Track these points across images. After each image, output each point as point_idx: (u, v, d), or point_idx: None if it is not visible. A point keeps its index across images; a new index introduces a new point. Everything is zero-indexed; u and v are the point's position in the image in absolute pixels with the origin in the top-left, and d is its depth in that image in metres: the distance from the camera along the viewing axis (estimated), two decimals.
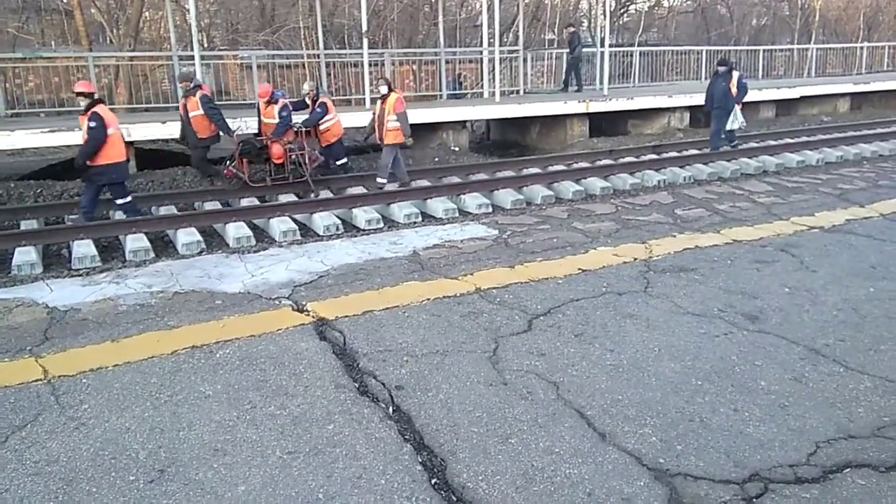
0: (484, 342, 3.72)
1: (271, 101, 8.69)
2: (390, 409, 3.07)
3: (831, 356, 3.53)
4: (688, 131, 14.31)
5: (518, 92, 15.87)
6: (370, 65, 12.35)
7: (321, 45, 14.11)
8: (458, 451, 2.75)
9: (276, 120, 8.53)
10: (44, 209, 7.99)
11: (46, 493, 2.54)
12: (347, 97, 14.25)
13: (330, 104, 9.21)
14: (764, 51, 21.24)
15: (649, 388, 3.23)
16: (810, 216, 6.31)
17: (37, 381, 3.37)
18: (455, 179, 9.35)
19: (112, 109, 12.44)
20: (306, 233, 7.27)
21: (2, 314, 4.27)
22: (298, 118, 8.95)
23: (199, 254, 6.39)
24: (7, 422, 3.02)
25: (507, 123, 14.40)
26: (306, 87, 9.39)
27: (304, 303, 4.34)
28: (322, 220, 7.31)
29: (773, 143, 11.95)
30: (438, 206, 7.91)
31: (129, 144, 9.32)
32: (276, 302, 4.38)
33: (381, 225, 7.38)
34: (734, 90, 10.32)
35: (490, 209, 8.02)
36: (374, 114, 8.68)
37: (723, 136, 10.64)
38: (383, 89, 8.47)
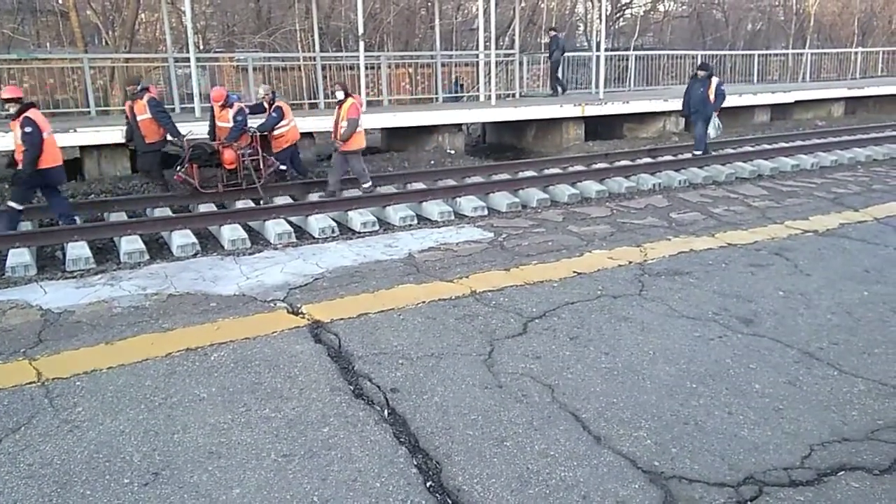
0: (479, 345, 3.72)
1: (226, 104, 8.53)
2: (385, 412, 3.06)
3: (825, 359, 3.54)
4: (683, 135, 14.36)
5: (514, 95, 15.92)
6: (366, 68, 12.36)
7: (317, 47, 14.13)
8: (454, 453, 2.75)
9: (231, 124, 8.36)
10: (38, 211, 7.94)
11: (40, 496, 2.52)
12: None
13: (286, 109, 9.05)
14: (759, 55, 21.37)
15: (644, 391, 3.23)
16: (804, 220, 6.34)
17: (30, 383, 3.35)
18: (451, 182, 9.37)
19: (107, 112, 12.43)
20: (301, 235, 7.26)
21: None
22: (255, 123, 8.75)
23: (194, 256, 6.37)
24: (0, 424, 3.00)
25: (502, 126, 14.43)
26: (262, 90, 9.15)
27: (299, 305, 4.33)
28: (317, 222, 7.31)
29: (767, 146, 12.01)
30: (434, 208, 7.92)
31: (124, 146, 9.29)
32: (271, 304, 4.37)
33: (377, 227, 7.38)
34: (712, 97, 10.18)
35: (485, 212, 8.04)
36: (334, 120, 8.52)
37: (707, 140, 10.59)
38: (339, 94, 8.35)
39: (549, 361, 3.52)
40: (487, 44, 14.74)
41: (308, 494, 2.52)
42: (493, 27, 13.91)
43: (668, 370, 3.43)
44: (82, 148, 9.72)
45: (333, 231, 7.19)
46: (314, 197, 8.62)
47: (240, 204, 8.29)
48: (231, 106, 8.49)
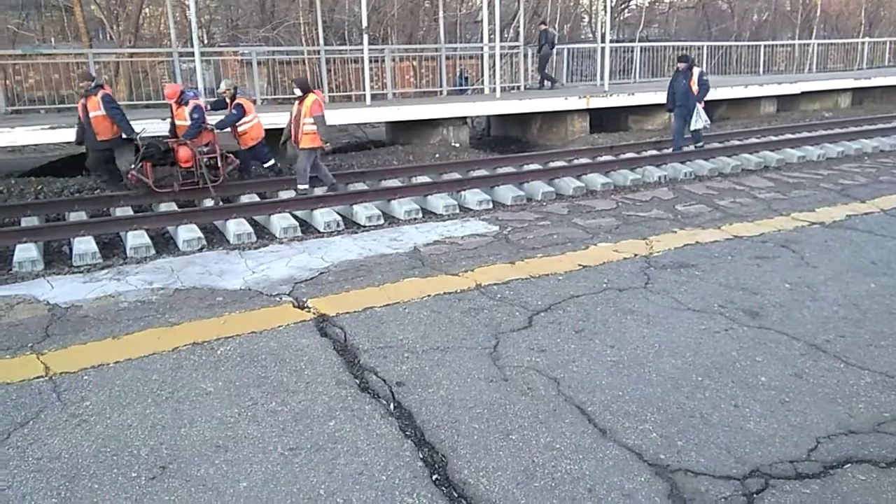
0: (484, 338, 3.72)
1: (181, 101, 8.30)
2: (391, 406, 3.07)
3: (832, 352, 3.53)
4: None
5: (518, 88, 15.84)
6: (370, 61, 12.32)
7: (321, 41, 14.08)
8: (459, 447, 2.76)
9: (188, 122, 8.16)
10: (44, 206, 7.98)
11: (48, 490, 2.55)
12: (348, 93, 14.24)
13: (248, 105, 8.74)
14: (765, 46, 21.18)
15: (650, 384, 3.23)
16: (811, 212, 6.30)
17: (38, 377, 3.38)
18: (455, 175, 9.35)
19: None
20: (307, 229, 7.27)
21: (3, 311, 4.27)
22: (216, 119, 8.53)
23: (200, 250, 6.39)
24: (9, 419, 3.02)
25: (507, 119, 14.38)
26: (223, 85, 8.87)
27: (304, 299, 4.34)
28: (322, 216, 7.31)
29: (774, 138, 11.93)
30: (439, 202, 7.91)
31: (129, 140, 9.29)
32: (277, 298, 4.39)
33: (382, 221, 7.37)
34: (695, 88, 9.86)
35: (490, 205, 8.02)
36: (290, 115, 8.15)
37: (686, 135, 10.30)
38: (297, 91, 7.99)
39: (555, 354, 3.52)
40: (492, 36, 14.67)
41: (314, 487, 2.53)
42: (498, 19, 13.82)
43: (674, 363, 3.42)
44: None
45: (338, 225, 7.20)
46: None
47: (244, 199, 8.24)
48: (187, 103, 8.25)
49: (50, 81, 12.18)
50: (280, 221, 7.08)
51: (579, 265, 4.90)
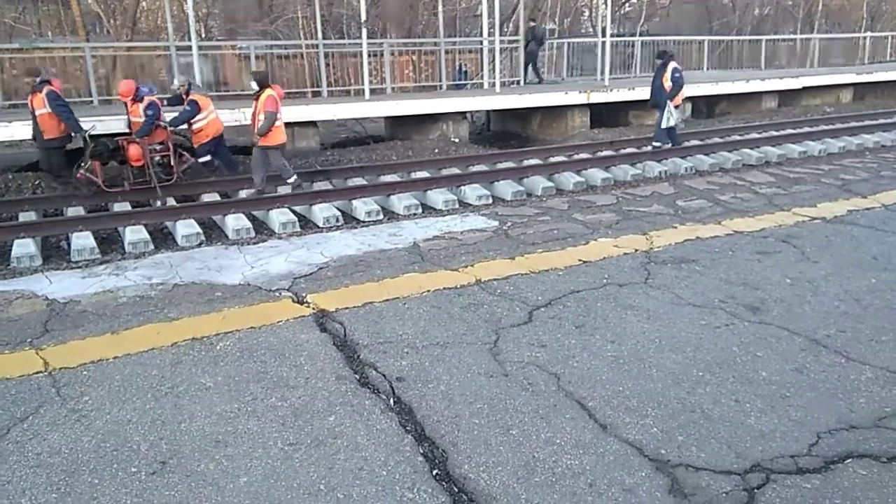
0: (484, 333, 3.71)
1: (136, 98, 8.08)
2: (391, 401, 3.07)
3: (833, 347, 3.52)
4: (689, 121, 14.26)
5: (518, 82, 15.79)
6: (369, 55, 12.27)
7: (320, 35, 14.02)
8: (460, 442, 2.75)
9: (142, 119, 7.95)
10: (42, 201, 7.96)
11: (48, 485, 2.54)
12: (346, 88, 14.18)
13: (203, 101, 8.45)
14: (767, 41, 21.12)
15: (650, 379, 3.22)
16: (812, 207, 6.29)
17: (37, 373, 3.37)
18: (455, 170, 9.33)
19: (109, 101, 12.41)
20: (306, 224, 7.26)
21: (1, 306, 4.26)
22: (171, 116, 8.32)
23: (199, 245, 6.38)
24: (8, 414, 3.02)
25: (507, 114, 14.33)
26: (177, 81, 8.65)
27: (304, 294, 4.33)
28: (322, 211, 7.30)
29: (775, 133, 11.91)
30: (438, 197, 7.89)
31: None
32: (277, 293, 4.37)
33: (381, 216, 7.36)
34: (667, 85, 9.49)
35: (490, 200, 8.00)
36: (252, 112, 7.94)
37: (672, 130, 9.90)
38: (254, 85, 7.79)
39: (555, 350, 3.52)
40: (491, 30, 14.60)
41: (314, 482, 2.53)
42: (497, 13, 13.75)
43: (675, 358, 3.42)
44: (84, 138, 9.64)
45: (338, 220, 7.18)
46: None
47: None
48: (142, 100, 8.02)
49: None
50: (279, 216, 7.07)
51: (579, 260, 4.89)
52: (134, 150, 7.82)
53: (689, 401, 3.04)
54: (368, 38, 12.32)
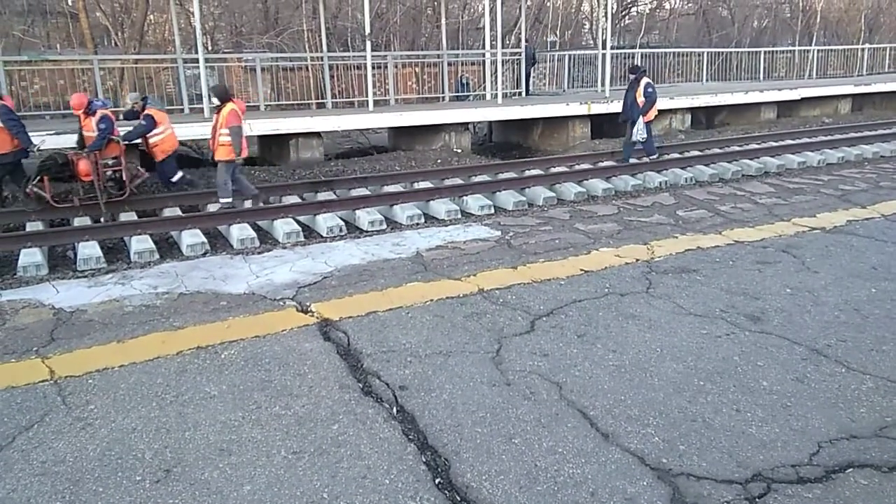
0: (487, 343, 3.74)
1: (89, 112, 7.92)
2: (394, 410, 3.09)
3: (833, 357, 3.54)
4: (689, 132, 14.33)
5: (520, 94, 15.90)
6: (373, 67, 12.38)
7: (325, 47, 14.17)
8: (462, 450, 2.77)
9: (96, 133, 7.78)
10: (49, 211, 8.01)
11: (53, 493, 2.56)
12: (351, 99, 14.30)
13: (159, 116, 8.30)
14: (765, 52, 21.26)
15: (652, 388, 3.24)
16: (812, 217, 6.32)
17: (43, 381, 3.40)
18: (457, 181, 9.38)
19: (116, 113, 12.53)
20: (310, 234, 7.30)
21: (8, 315, 4.30)
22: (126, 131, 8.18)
23: (204, 255, 6.42)
24: (14, 422, 3.04)
25: (509, 125, 14.42)
26: (130, 98, 8.55)
27: (308, 304, 4.36)
28: (325, 221, 7.34)
29: (774, 144, 11.95)
30: (441, 207, 7.94)
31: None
32: (281, 303, 4.41)
33: (384, 226, 7.40)
34: (640, 100, 9.75)
35: (492, 210, 8.04)
36: (212, 127, 7.77)
37: (637, 147, 10.08)
38: (215, 100, 7.61)
39: (557, 359, 3.54)
40: (493, 43, 14.72)
41: (318, 491, 2.54)
42: (500, 26, 13.88)
43: (676, 367, 3.43)
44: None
45: (341, 230, 7.22)
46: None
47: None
48: (94, 113, 7.86)
49: (55, 87, 12.24)
50: (283, 226, 7.11)
51: (581, 270, 4.91)
52: (83, 165, 7.61)
53: (691, 410, 3.05)
54: (373, 50, 12.44)
